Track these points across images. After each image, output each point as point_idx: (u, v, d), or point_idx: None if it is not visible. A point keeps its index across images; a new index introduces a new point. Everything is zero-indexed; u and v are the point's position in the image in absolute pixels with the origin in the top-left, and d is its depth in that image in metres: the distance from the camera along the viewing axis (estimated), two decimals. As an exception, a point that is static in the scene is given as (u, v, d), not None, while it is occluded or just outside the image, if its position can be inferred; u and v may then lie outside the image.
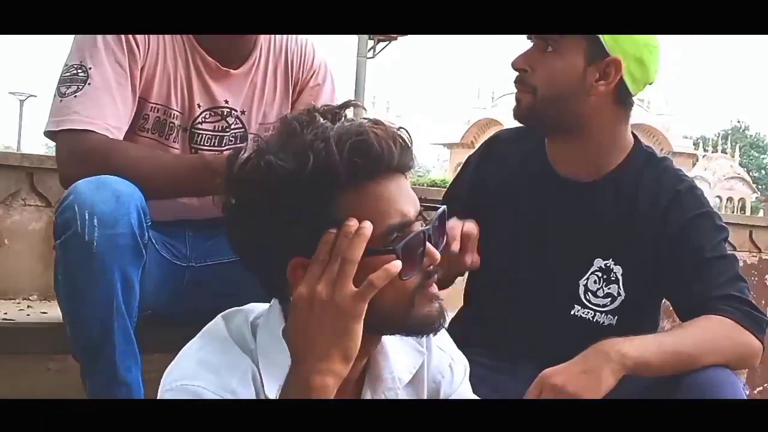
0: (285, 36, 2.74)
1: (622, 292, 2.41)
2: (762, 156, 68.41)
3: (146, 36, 2.53)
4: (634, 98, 2.44)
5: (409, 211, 1.60)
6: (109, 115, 2.45)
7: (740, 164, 53.85)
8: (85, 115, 2.42)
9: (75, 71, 2.46)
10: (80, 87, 2.44)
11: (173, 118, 2.57)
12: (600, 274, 2.44)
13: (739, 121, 74.55)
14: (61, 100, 2.44)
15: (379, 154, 1.56)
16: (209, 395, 1.56)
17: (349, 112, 1.71)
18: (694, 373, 2.14)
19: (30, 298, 3.54)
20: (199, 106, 2.60)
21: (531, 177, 2.52)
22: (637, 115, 53.63)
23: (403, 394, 1.82)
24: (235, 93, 2.67)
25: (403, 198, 1.62)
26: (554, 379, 2.06)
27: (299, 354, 1.55)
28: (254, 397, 1.60)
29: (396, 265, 1.50)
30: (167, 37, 2.57)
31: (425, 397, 1.87)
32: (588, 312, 2.41)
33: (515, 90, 2.44)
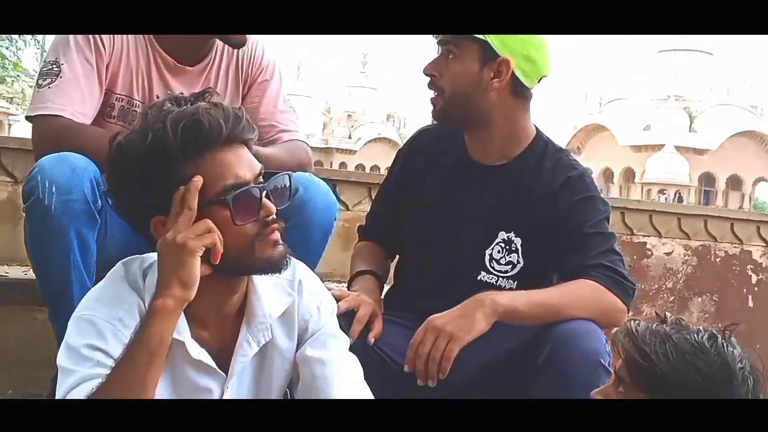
0: None
1: (521, 260, 2.63)
2: None
3: (112, 35, 2.81)
4: (532, 91, 2.70)
5: (244, 174, 1.94)
6: (76, 103, 2.70)
7: None
8: (56, 103, 2.68)
9: (50, 66, 2.75)
10: (53, 80, 2.72)
11: (135, 107, 2.79)
12: (503, 245, 2.67)
13: None
14: (38, 91, 2.74)
15: (208, 130, 1.90)
16: (101, 323, 1.93)
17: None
18: (562, 323, 2.42)
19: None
20: (157, 97, 2.77)
21: (448, 163, 2.77)
22: (749, 122, 51.26)
23: (276, 327, 2.14)
24: (190, 87, 2.80)
25: (238, 163, 1.95)
26: (436, 321, 2.38)
27: (157, 287, 1.91)
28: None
29: (192, 194, 1.86)
30: (131, 36, 2.84)
31: (296, 332, 2.18)
32: (492, 277, 2.64)
33: (431, 94, 2.74)
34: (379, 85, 68.08)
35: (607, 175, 54.31)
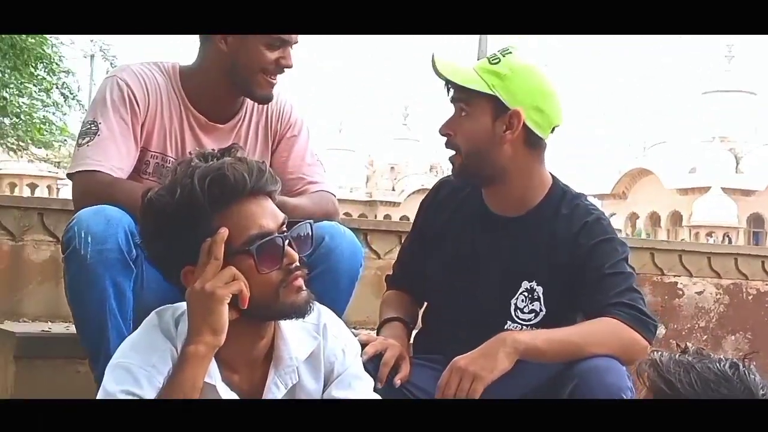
0: None
1: (543, 308, 2.71)
2: None
3: (146, 96, 2.89)
4: (546, 141, 2.74)
5: (267, 224, 2.04)
6: (113, 159, 2.81)
7: None
8: (94, 159, 2.79)
9: (89, 126, 2.84)
10: (92, 138, 2.81)
11: (169, 164, 2.85)
12: (526, 294, 2.74)
13: None
14: (78, 149, 2.84)
15: (233, 184, 2.01)
16: (136, 369, 2.02)
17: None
18: (585, 360, 2.46)
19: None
20: (190, 153, 2.63)
21: (469, 215, 2.85)
22: None
23: (303, 370, 2.21)
24: (222, 144, 2.74)
25: (262, 214, 2.06)
26: (460, 362, 2.45)
27: (188, 334, 2.00)
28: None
29: (219, 247, 1.97)
30: (164, 96, 2.92)
31: (322, 373, 2.25)
32: (517, 326, 2.71)
33: (448, 153, 2.82)
34: (421, 137, 67.37)
35: (654, 219, 53.75)
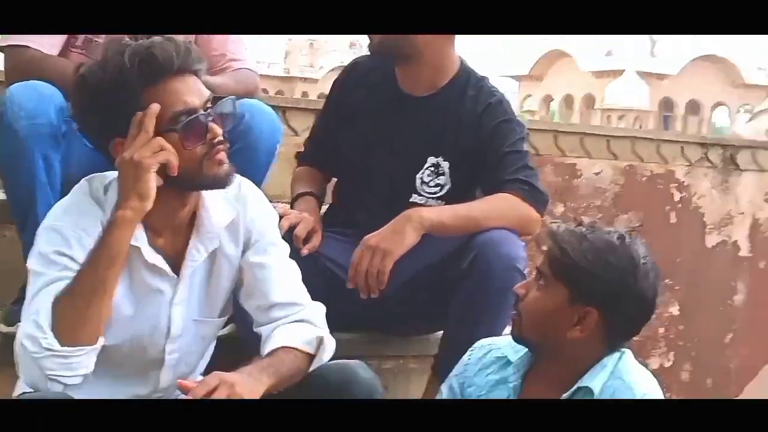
0: None
1: (448, 182, 2.83)
2: None
3: None
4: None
5: (193, 101, 2.13)
6: (43, 38, 2.83)
7: None
8: (21, 37, 2.82)
9: None
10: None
11: (98, 38, 2.85)
12: (432, 169, 2.85)
13: None
14: None
15: (161, 62, 2.09)
16: (67, 231, 2.13)
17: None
18: (484, 232, 2.61)
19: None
20: None
21: (381, 94, 2.93)
22: (710, 46, 49.44)
23: (223, 236, 2.33)
24: None
25: (188, 91, 2.14)
26: (371, 240, 2.59)
27: (117, 200, 2.10)
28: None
29: (151, 119, 2.06)
30: None
31: (241, 240, 2.36)
32: (422, 199, 2.83)
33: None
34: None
35: (568, 101, 53.88)
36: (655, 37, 51.30)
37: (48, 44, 2.84)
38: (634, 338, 5.28)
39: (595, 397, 2.23)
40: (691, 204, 5.90)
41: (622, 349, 2.34)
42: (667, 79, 50.01)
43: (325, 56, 59.06)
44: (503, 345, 2.43)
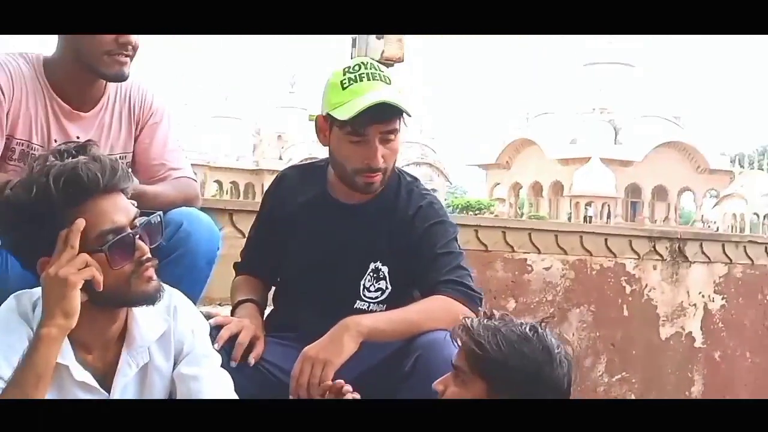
0: (129, 84, 3.02)
1: (389, 286, 2.83)
2: None
3: (11, 85, 2.85)
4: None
5: (120, 219, 2.10)
6: None
7: None
8: None
9: None
10: None
11: (35, 150, 2.84)
12: (372, 274, 2.85)
13: None
14: None
15: (86, 182, 2.05)
16: None
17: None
18: (422, 335, 2.63)
19: None
20: (55, 141, 2.83)
21: (315, 203, 2.94)
22: (672, 133, 50.61)
23: (154, 350, 2.29)
24: (86, 131, 2.92)
25: (114, 210, 2.11)
26: (310, 351, 2.55)
27: (41, 317, 2.05)
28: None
29: (75, 236, 2.03)
30: (29, 85, 2.89)
31: (173, 353, 2.32)
32: (365, 304, 2.83)
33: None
34: (308, 105, 65.34)
35: (536, 189, 54.28)
36: (619, 124, 52.05)
37: None
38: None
39: None
40: (642, 296, 5.88)
41: None
42: (632, 166, 50.56)
43: (292, 149, 59.51)
44: None
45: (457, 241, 2.88)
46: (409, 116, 2.76)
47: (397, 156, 2.84)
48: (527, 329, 2.21)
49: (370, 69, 2.77)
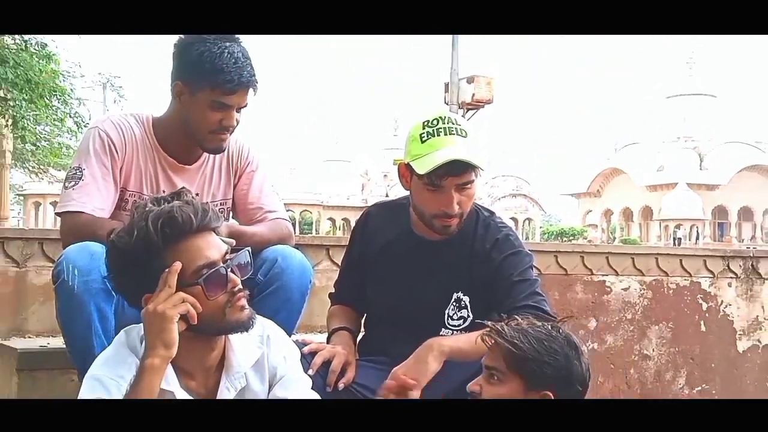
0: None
1: (470, 314, 2.84)
2: None
3: (124, 144, 2.93)
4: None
5: (212, 255, 2.14)
6: (95, 200, 2.87)
7: None
8: (79, 201, 2.86)
9: (74, 172, 2.90)
10: (77, 182, 2.86)
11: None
12: (455, 304, 2.86)
13: None
14: (65, 191, 2.87)
15: (181, 224, 2.11)
16: (106, 380, 2.12)
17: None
18: None
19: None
20: (163, 191, 2.86)
21: (399, 239, 2.95)
22: (755, 157, 49.96)
23: (250, 375, 2.31)
24: (190, 182, 2.97)
25: (207, 247, 2.15)
26: (398, 371, 2.55)
27: (144, 349, 2.09)
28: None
29: (173, 276, 2.08)
30: (139, 143, 2.96)
31: (267, 377, 2.35)
32: (449, 331, 2.83)
33: None
34: None
35: (627, 214, 53.52)
36: (703, 151, 51.07)
37: (99, 209, 2.88)
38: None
39: None
40: (719, 312, 5.75)
41: None
42: (718, 189, 49.47)
43: (397, 186, 59.51)
44: None
45: (532, 269, 2.85)
46: (482, 170, 2.75)
47: (473, 200, 2.81)
48: (551, 328, 2.25)
49: (448, 123, 2.74)
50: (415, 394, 2.56)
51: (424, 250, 2.89)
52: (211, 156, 3.05)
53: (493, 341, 2.27)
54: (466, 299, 2.85)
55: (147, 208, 2.18)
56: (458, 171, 2.68)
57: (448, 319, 2.84)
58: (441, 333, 2.81)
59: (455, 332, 2.81)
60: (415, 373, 2.57)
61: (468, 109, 21.07)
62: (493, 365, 2.26)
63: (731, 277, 5.87)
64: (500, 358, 2.24)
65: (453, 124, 2.75)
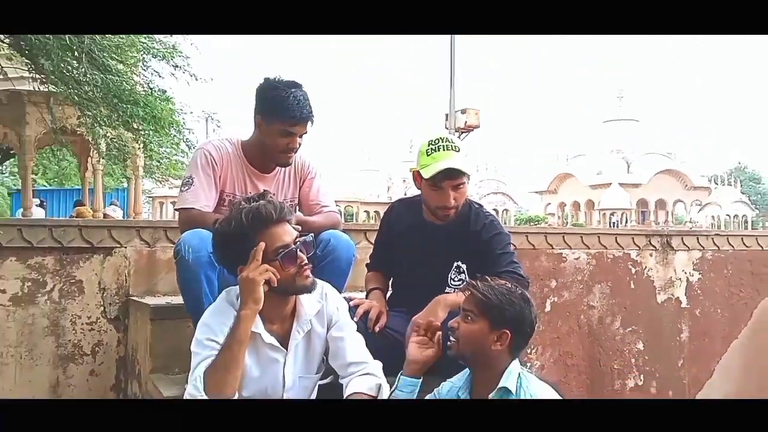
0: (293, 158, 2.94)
1: (466, 277, 2.77)
2: (758, 185, 61.52)
3: (221, 160, 2.90)
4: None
5: (287, 239, 2.15)
6: (202, 200, 2.84)
7: (742, 192, 48.95)
8: (190, 201, 2.83)
9: (187, 180, 2.87)
10: (189, 187, 2.84)
11: (236, 199, 2.65)
12: (456, 270, 2.80)
13: (739, 162, 66.89)
14: (180, 194, 2.87)
15: (265, 216, 2.11)
16: (214, 325, 2.15)
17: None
18: None
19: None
20: (249, 193, 2.81)
21: (415, 224, 2.92)
22: (667, 164, 49.40)
23: (314, 321, 2.30)
24: (268, 186, 2.95)
25: (284, 233, 2.15)
26: (417, 318, 2.52)
27: (240, 304, 2.11)
28: None
29: (259, 252, 2.10)
30: (232, 159, 2.93)
31: (326, 323, 2.32)
32: (451, 290, 2.76)
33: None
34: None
35: (576, 205, 53.05)
36: (629, 160, 50.55)
37: (205, 206, 2.86)
38: (616, 366, 5.13)
39: (512, 396, 2.18)
40: (643, 275, 5.68)
41: (519, 364, 2.30)
42: (640, 187, 48.96)
43: (412, 188, 59.06)
44: (455, 378, 2.40)
45: (510, 245, 2.82)
46: (470, 175, 2.75)
47: (465, 196, 2.81)
48: (511, 287, 2.26)
49: (446, 142, 2.73)
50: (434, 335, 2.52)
51: (432, 232, 2.86)
52: (282, 168, 3.04)
53: (469, 292, 2.26)
54: (464, 266, 2.81)
55: (241, 205, 2.20)
56: (453, 176, 2.70)
57: (450, 281, 2.81)
58: (445, 291, 2.76)
59: (455, 291, 2.76)
60: (430, 318, 2.55)
61: (461, 132, 21.03)
62: (469, 308, 2.25)
63: (652, 250, 5.80)
64: (474, 304, 2.23)
65: (449, 142, 2.74)
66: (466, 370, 2.37)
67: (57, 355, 3.83)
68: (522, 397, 2.19)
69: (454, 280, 2.84)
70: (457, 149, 2.73)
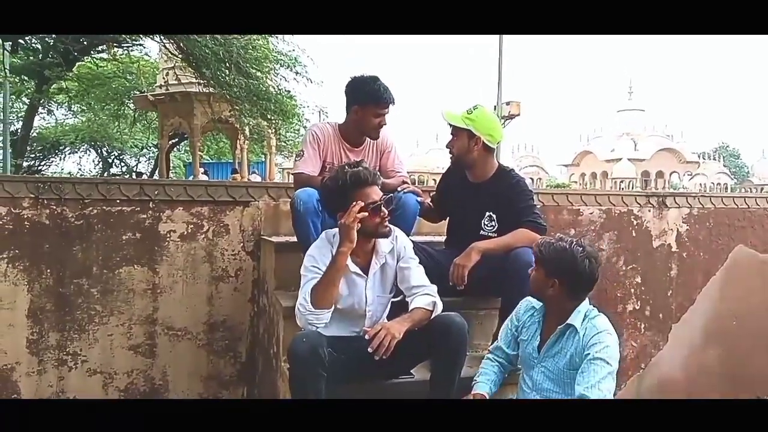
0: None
1: (496, 224, 2.66)
2: (737, 160, 57.94)
3: (324, 137, 2.85)
4: (495, 146, 2.67)
5: (375, 197, 2.12)
6: (310, 167, 2.82)
7: (724, 165, 46.86)
8: (302, 168, 2.81)
9: (300, 152, 2.86)
10: (301, 158, 2.83)
11: (335, 167, 2.62)
12: (488, 218, 2.68)
13: (723, 142, 62.35)
14: (295, 162, 2.89)
15: (361, 178, 2.08)
16: (318, 256, 2.13)
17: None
18: (516, 249, 2.44)
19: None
20: (347, 161, 2.66)
21: (460, 183, 2.81)
22: (666, 143, 48.97)
23: (388, 256, 2.25)
24: (358, 157, 2.85)
25: (373, 193, 2.11)
26: (457, 260, 2.47)
27: (338, 242, 2.08)
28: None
29: (356, 207, 2.07)
30: (332, 137, 2.87)
31: (396, 257, 2.26)
32: (485, 233, 2.67)
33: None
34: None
35: (593, 176, 51.33)
36: (637, 140, 48.23)
37: (312, 172, 2.87)
38: (619, 294, 4.89)
39: (574, 331, 2.07)
40: (643, 226, 5.40)
41: (590, 304, 2.18)
42: (644, 162, 46.85)
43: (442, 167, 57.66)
44: (534, 300, 2.33)
45: (532, 199, 2.69)
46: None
47: (458, 148, 2.73)
48: (567, 242, 2.11)
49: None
50: (467, 270, 2.49)
51: (473, 189, 2.78)
52: (368, 141, 2.99)
53: (537, 249, 2.15)
54: (495, 216, 2.71)
55: (345, 169, 2.19)
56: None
57: (484, 226, 2.72)
58: (480, 233, 2.67)
59: (489, 234, 2.67)
60: (466, 261, 2.51)
61: (505, 120, 19.89)
62: (534, 260, 2.17)
63: (651, 207, 5.53)
64: (535, 257, 2.15)
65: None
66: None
67: (211, 276, 3.99)
68: (582, 333, 2.08)
69: (486, 226, 2.75)
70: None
